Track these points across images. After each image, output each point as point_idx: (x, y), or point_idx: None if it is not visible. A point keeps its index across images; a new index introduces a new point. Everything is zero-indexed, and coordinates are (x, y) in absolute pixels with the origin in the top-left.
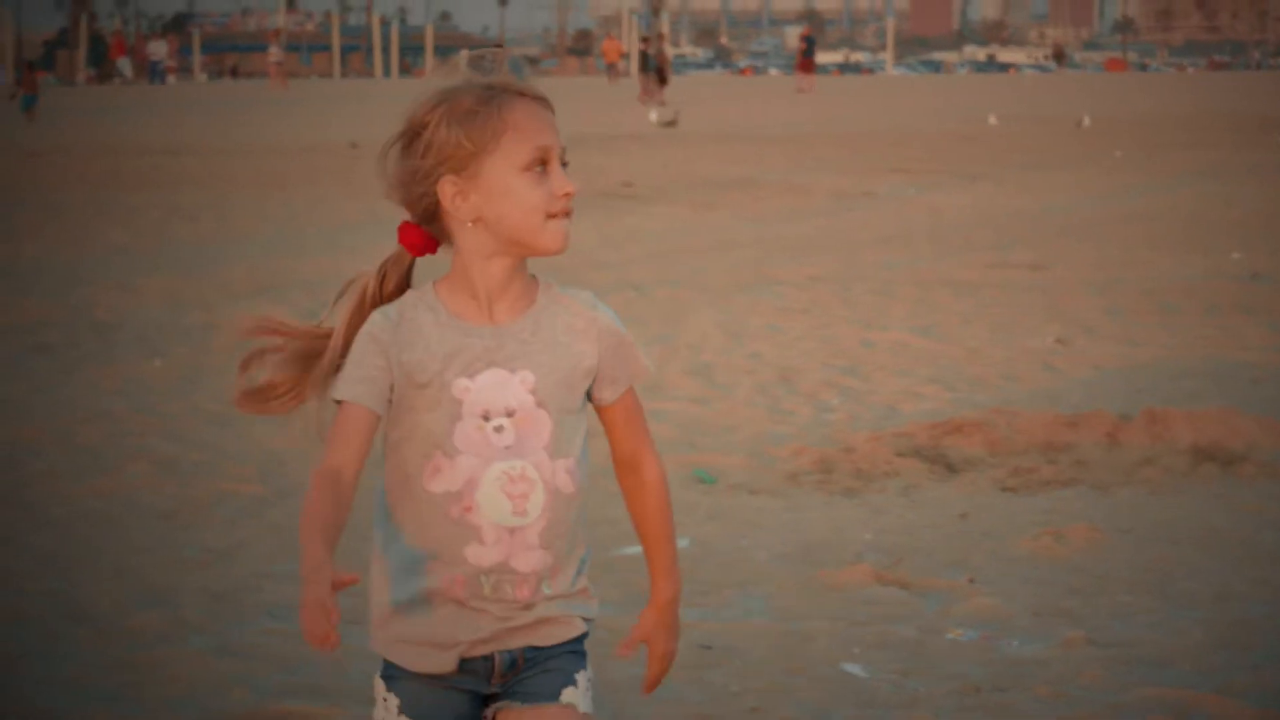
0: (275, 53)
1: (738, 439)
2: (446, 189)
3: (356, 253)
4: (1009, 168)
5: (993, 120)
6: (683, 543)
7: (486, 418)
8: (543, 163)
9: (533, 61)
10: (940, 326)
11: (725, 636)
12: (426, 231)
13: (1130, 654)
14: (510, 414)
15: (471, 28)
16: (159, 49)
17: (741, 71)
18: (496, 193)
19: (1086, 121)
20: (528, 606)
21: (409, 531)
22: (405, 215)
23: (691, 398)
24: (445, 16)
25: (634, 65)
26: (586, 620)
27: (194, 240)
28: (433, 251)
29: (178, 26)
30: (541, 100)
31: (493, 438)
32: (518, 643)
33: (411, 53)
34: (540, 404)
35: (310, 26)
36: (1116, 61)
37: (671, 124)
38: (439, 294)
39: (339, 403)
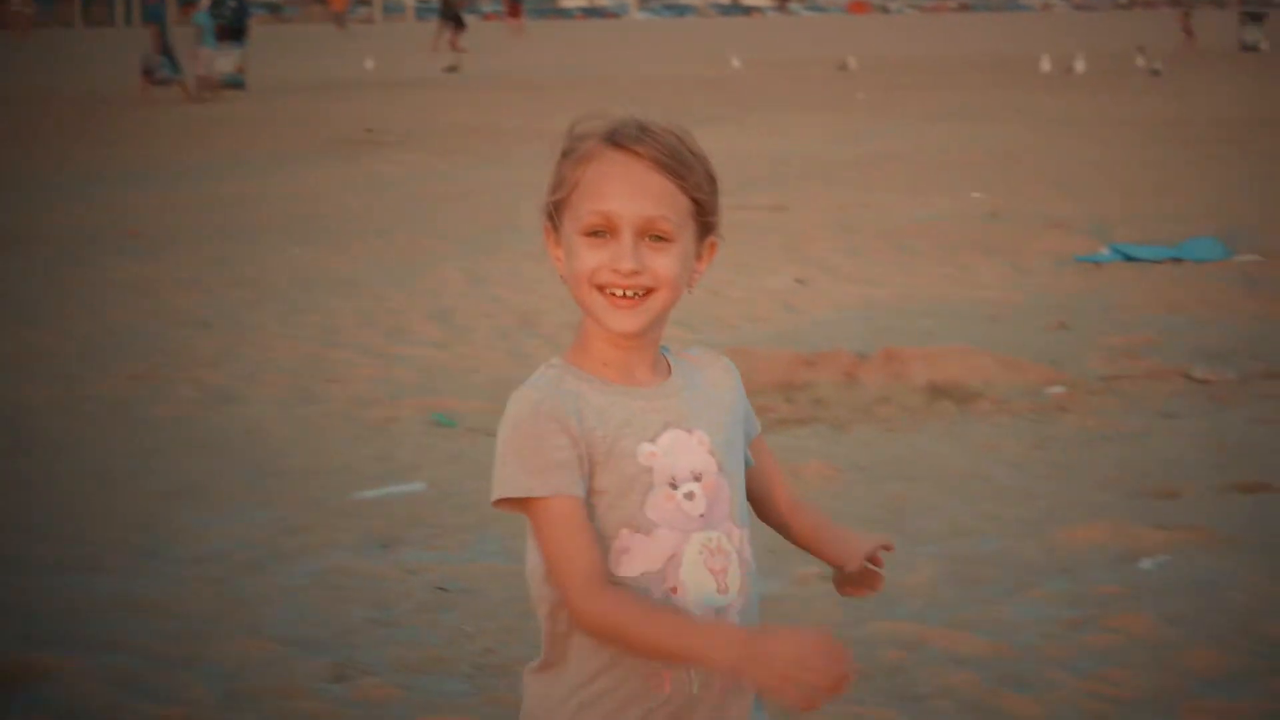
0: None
1: (478, 382)
2: (547, 232)
3: (100, 204)
4: (751, 109)
5: (736, 63)
6: (419, 485)
7: (674, 485)
8: (607, 230)
9: (274, 10)
10: None
11: (461, 578)
12: None
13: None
14: (698, 478)
15: None
16: None
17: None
18: (567, 251)
19: (852, 64)
20: (724, 700)
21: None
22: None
23: (432, 342)
24: None
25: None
26: None
27: None
28: None
29: None
30: (643, 159)
31: (685, 506)
32: None
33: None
34: (720, 466)
35: None
36: (859, 4)
37: (454, 69)
38: (572, 363)
39: (515, 502)
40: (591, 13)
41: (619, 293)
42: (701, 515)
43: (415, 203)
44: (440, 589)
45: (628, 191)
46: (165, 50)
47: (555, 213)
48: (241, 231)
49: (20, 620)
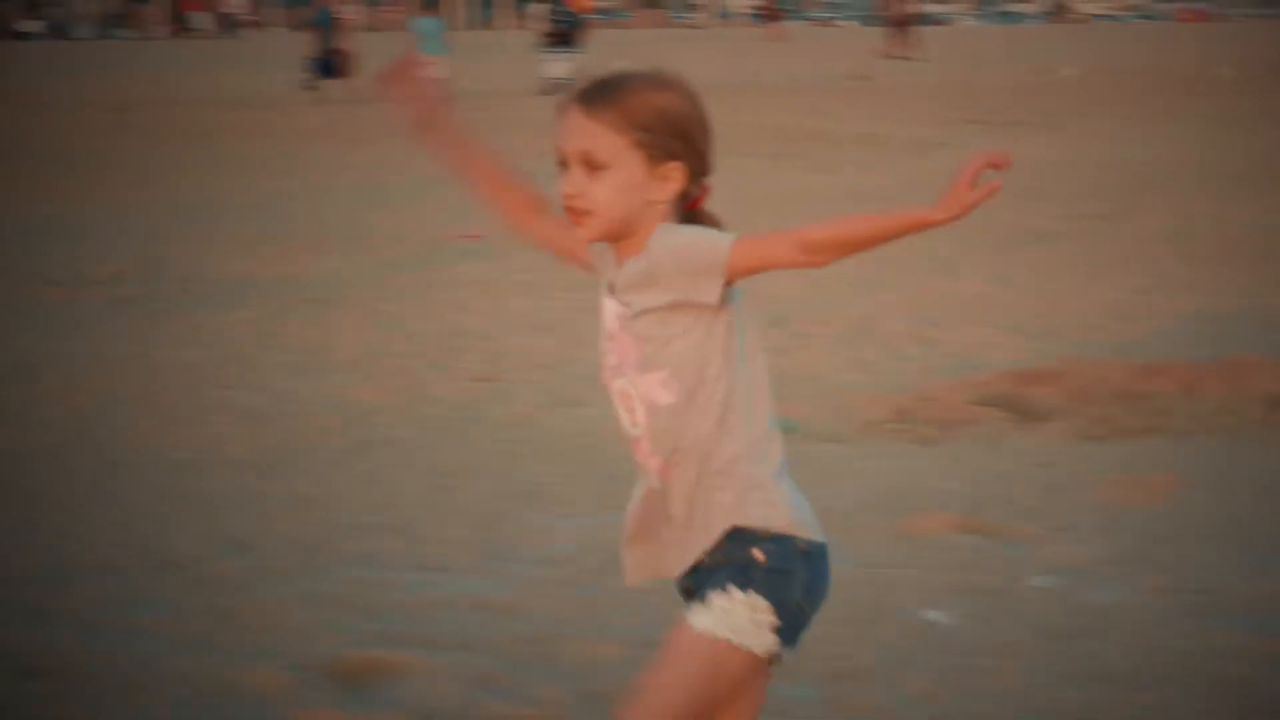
0: (351, 7)
1: (817, 388)
2: None
3: (439, 206)
4: (1086, 118)
5: (1068, 71)
6: None
7: (605, 339)
8: (562, 164)
9: (607, 15)
10: (1019, 276)
11: None
12: None
13: (1211, 601)
14: (610, 337)
15: None
16: (237, 2)
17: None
18: None
19: (1228, 72)
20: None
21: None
22: None
23: (772, 347)
24: None
25: None
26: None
27: (273, 192)
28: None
29: None
30: (582, 104)
31: (605, 358)
32: None
33: (485, 4)
34: (622, 327)
35: None
36: (1193, 13)
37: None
38: None
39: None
40: (925, 21)
41: (570, 212)
42: (614, 365)
43: (744, 207)
44: None
45: (566, 132)
46: (324, 55)
47: None
48: None
49: (373, 618)
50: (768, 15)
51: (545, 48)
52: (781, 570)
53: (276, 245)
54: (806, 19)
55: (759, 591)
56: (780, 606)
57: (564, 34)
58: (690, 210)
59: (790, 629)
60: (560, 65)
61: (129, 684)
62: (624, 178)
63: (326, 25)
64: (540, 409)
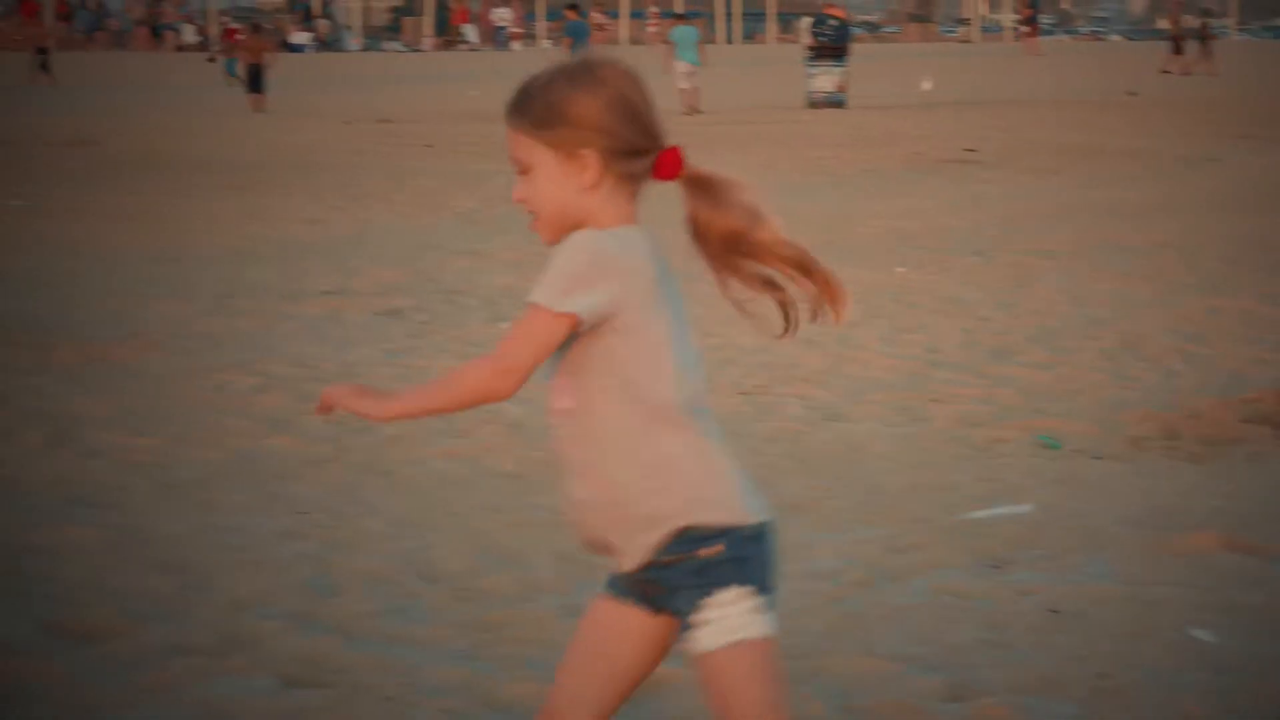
0: (655, 21)
1: (1082, 404)
2: None
3: None
4: None
5: None
6: (1027, 507)
7: None
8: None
9: (873, 29)
10: None
11: (1072, 601)
12: None
13: None
14: None
15: None
16: (503, 15)
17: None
18: None
19: None
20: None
21: None
22: None
23: (1036, 364)
24: None
25: None
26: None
27: None
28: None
29: None
30: (506, 114)
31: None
32: None
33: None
34: None
35: None
36: None
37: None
38: None
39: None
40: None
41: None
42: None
43: (1015, 222)
44: (1052, 611)
45: (508, 144)
46: None
47: None
48: (844, 250)
49: None
50: (1026, 30)
51: (811, 61)
52: (738, 558)
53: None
54: (1074, 33)
55: (733, 584)
56: (757, 587)
57: (830, 48)
58: (670, 180)
59: (770, 602)
60: (826, 78)
61: (394, 695)
62: (544, 175)
63: (581, 37)
64: (804, 423)
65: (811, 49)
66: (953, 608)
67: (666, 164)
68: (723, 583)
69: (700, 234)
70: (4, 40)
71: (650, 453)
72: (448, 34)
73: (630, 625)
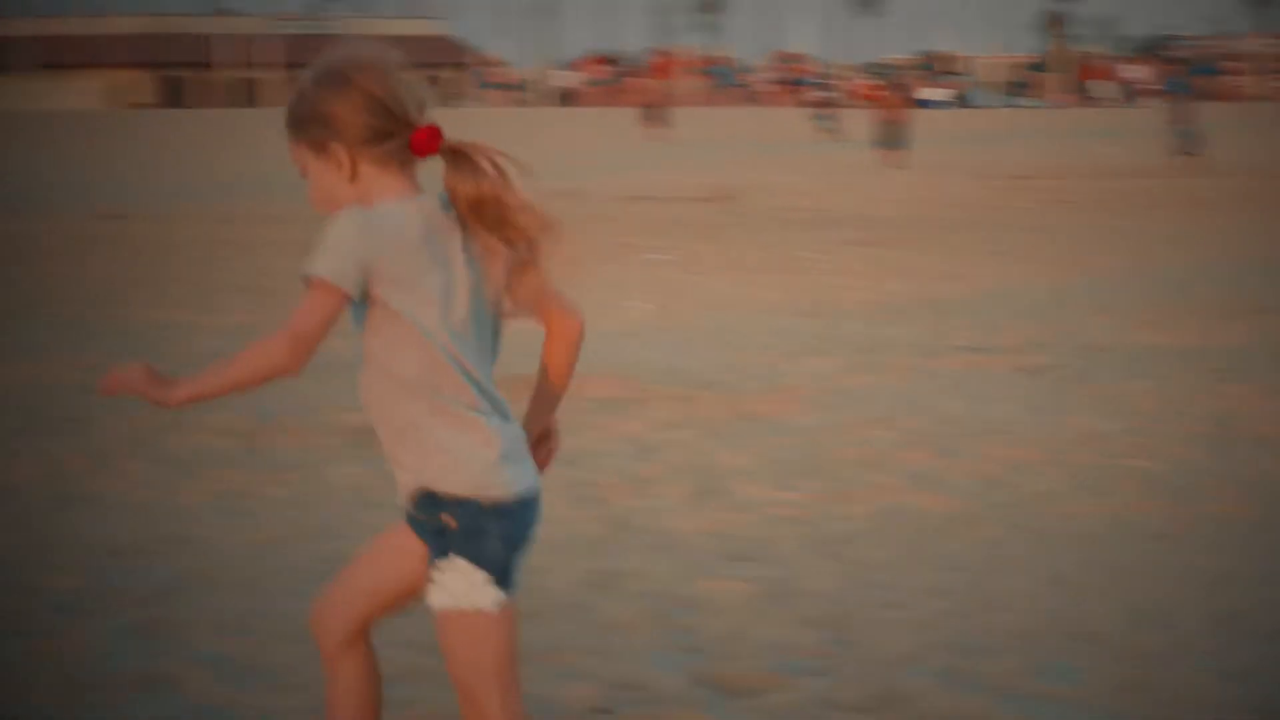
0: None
1: None
2: None
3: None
4: None
5: None
6: None
7: None
8: None
9: None
10: None
11: None
12: None
13: None
14: None
15: None
16: (1135, 71)
17: None
18: None
19: None
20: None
21: None
22: None
23: None
24: None
25: None
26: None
27: (1189, 265)
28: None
29: (1154, 49)
30: None
31: None
32: None
33: None
34: None
35: None
36: None
37: None
38: None
39: None
40: None
41: None
42: None
43: None
44: None
45: None
46: (1185, 124)
47: None
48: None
49: None
50: None
51: None
52: (472, 530)
53: (1186, 315)
54: None
55: (460, 555)
56: (483, 562)
57: None
58: (429, 155)
59: (504, 578)
60: None
61: None
62: (314, 173)
63: (1181, 93)
64: None
65: None
66: None
67: (418, 141)
68: (455, 551)
69: (454, 202)
70: (620, 99)
71: (400, 419)
72: (1081, 90)
73: (411, 545)
